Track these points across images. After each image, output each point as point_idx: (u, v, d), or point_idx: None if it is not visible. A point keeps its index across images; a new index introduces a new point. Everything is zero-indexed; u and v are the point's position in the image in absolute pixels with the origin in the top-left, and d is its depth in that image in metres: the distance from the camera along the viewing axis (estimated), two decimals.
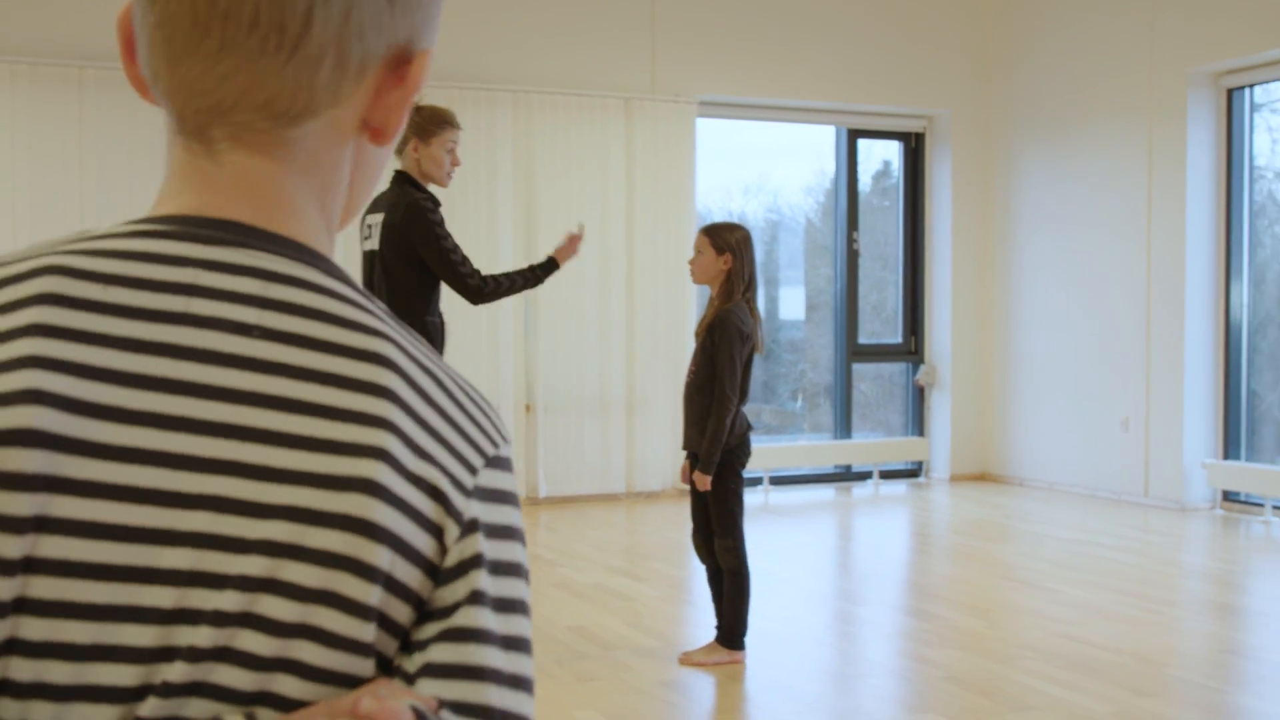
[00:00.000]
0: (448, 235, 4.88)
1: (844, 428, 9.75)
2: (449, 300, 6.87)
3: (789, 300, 10.09)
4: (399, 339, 0.79)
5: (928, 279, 9.88)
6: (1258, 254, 8.22)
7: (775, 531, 7.71)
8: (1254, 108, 8.21)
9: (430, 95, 6.61)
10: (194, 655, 0.71)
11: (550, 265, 5.24)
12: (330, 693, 0.73)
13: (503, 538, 0.79)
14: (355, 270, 5.88)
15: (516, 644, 0.78)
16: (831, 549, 7.71)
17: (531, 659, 0.79)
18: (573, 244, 5.29)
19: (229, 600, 0.72)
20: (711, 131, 9.30)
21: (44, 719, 0.71)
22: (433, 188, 4.98)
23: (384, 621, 0.74)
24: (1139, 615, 5.50)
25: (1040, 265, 9.32)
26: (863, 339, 9.80)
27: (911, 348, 9.95)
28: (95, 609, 0.71)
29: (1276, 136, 8.29)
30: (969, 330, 9.76)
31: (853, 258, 9.71)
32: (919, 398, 9.95)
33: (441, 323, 5.05)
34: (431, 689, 0.74)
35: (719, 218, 8.12)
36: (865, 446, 9.64)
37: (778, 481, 9.38)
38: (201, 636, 0.71)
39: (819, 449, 9.56)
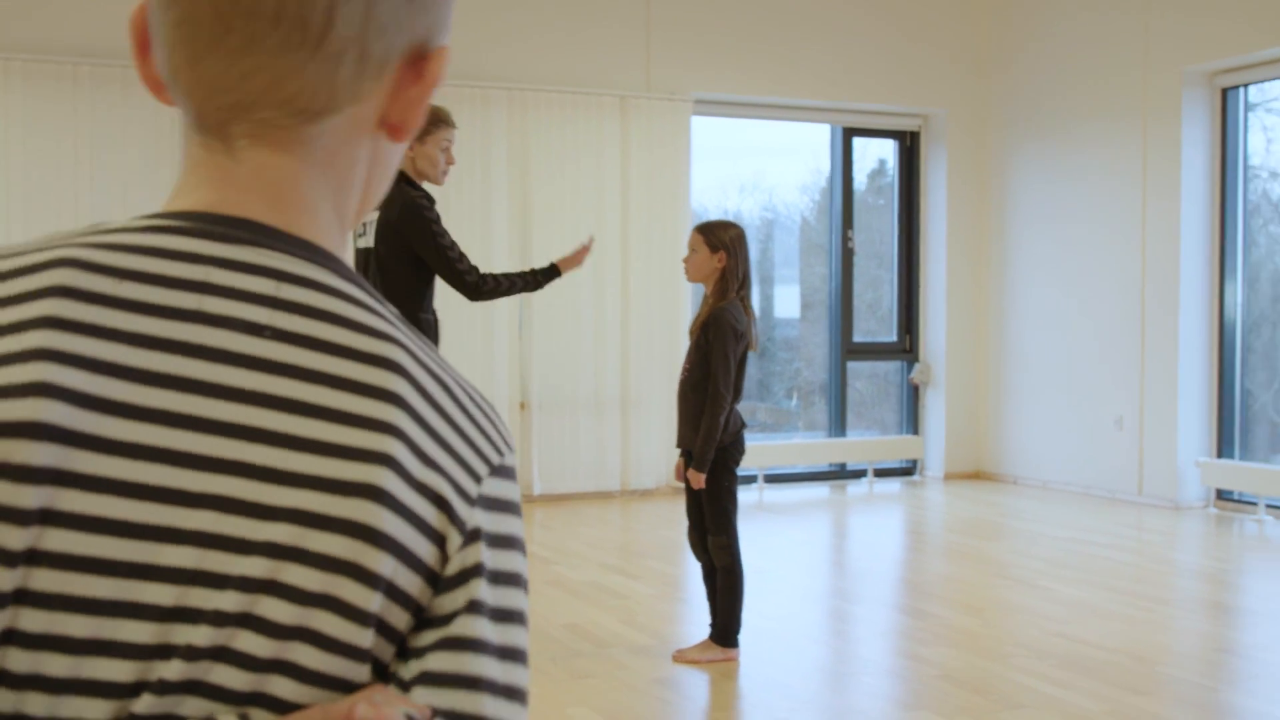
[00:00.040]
0: (444, 232, 4.88)
1: (839, 426, 9.75)
2: (444, 297, 6.88)
3: (784, 298, 10.10)
4: (409, 344, 0.79)
5: (922, 277, 9.89)
6: (1252, 253, 8.24)
7: (770, 529, 7.71)
8: (1248, 107, 8.22)
9: None
10: (191, 654, 0.71)
11: (552, 272, 5.24)
12: (325, 696, 0.73)
13: (504, 547, 0.79)
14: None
15: (513, 655, 0.78)
16: (826, 547, 7.72)
17: (528, 670, 0.79)
18: (580, 255, 5.29)
19: (229, 600, 0.72)
20: (707, 130, 9.31)
21: (38, 711, 0.71)
22: (427, 185, 4.98)
23: (382, 628, 0.74)
24: (1133, 613, 5.51)
25: (1035, 264, 9.33)
26: (858, 337, 9.81)
27: (906, 346, 9.95)
28: (95, 603, 0.71)
29: (1271, 136, 8.30)
30: (964, 329, 9.77)
31: (848, 256, 9.72)
32: (914, 396, 9.96)
33: (435, 320, 5.05)
34: (426, 697, 0.74)
35: (714, 216, 8.12)
36: (860, 444, 9.65)
37: (772, 479, 9.38)
38: (200, 636, 0.71)
39: (814, 447, 9.56)
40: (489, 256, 8.10)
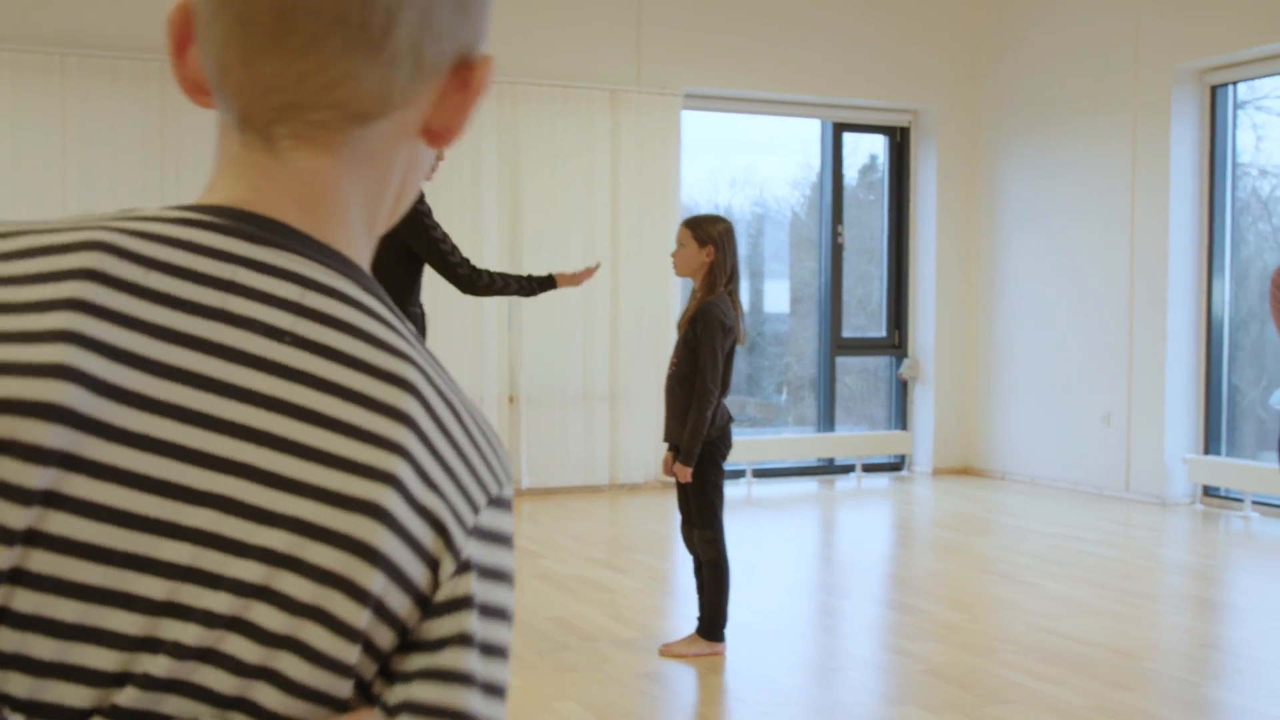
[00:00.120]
0: (436, 225, 4.88)
1: (827, 421, 9.76)
2: (436, 290, 6.88)
3: (774, 293, 10.10)
4: (424, 365, 0.79)
5: (912, 273, 9.90)
6: (1240, 250, 8.25)
7: (758, 524, 7.72)
8: (1238, 104, 8.24)
9: None
10: (179, 652, 0.71)
11: (548, 283, 5.27)
12: (308, 709, 0.73)
13: (495, 580, 0.79)
14: None
15: (496, 690, 0.78)
16: (814, 542, 7.73)
17: (505, 704, 0.80)
18: (581, 277, 5.32)
19: (221, 602, 0.72)
20: (698, 124, 9.31)
21: (20, 692, 0.70)
22: None
23: (368, 646, 0.74)
24: (1119, 609, 5.53)
25: (1024, 261, 9.34)
26: (847, 333, 9.82)
27: (895, 341, 9.97)
28: (87, 590, 0.71)
29: (1261, 133, 8.31)
30: (953, 325, 9.78)
31: (837, 251, 9.72)
32: (902, 391, 9.97)
33: (422, 313, 5.05)
34: None
35: (705, 210, 8.12)
36: (848, 440, 9.66)
37: (761, 474, 9.39)
38: (189, 634, 0.71)
39: (802, 442, 9.57)
40: (479, 250, 8.09)
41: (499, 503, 0.81)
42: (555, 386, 8.53)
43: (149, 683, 0.71)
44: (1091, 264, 8.76)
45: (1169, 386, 8.23)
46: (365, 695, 0.76)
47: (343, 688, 0.74)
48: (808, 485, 9.36)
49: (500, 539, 0.80)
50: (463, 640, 0.76)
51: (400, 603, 0.75)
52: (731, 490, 8.75)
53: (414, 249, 4.84)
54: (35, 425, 0.70)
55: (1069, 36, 8.89)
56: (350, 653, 0.73)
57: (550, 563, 6.38)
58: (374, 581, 0.73)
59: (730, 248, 4.68)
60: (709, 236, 4.65)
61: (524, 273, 8.14)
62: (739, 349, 4.79)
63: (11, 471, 0.69)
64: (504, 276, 5.17)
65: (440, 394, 0.79)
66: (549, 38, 8.49)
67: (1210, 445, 8.29)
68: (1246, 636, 5.17)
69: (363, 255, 0.84)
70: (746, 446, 9.07)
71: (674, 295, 8.67)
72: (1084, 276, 8.81)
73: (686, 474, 4.66)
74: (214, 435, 0.73)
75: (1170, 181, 8.18)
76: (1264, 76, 7.97)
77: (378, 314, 0.79)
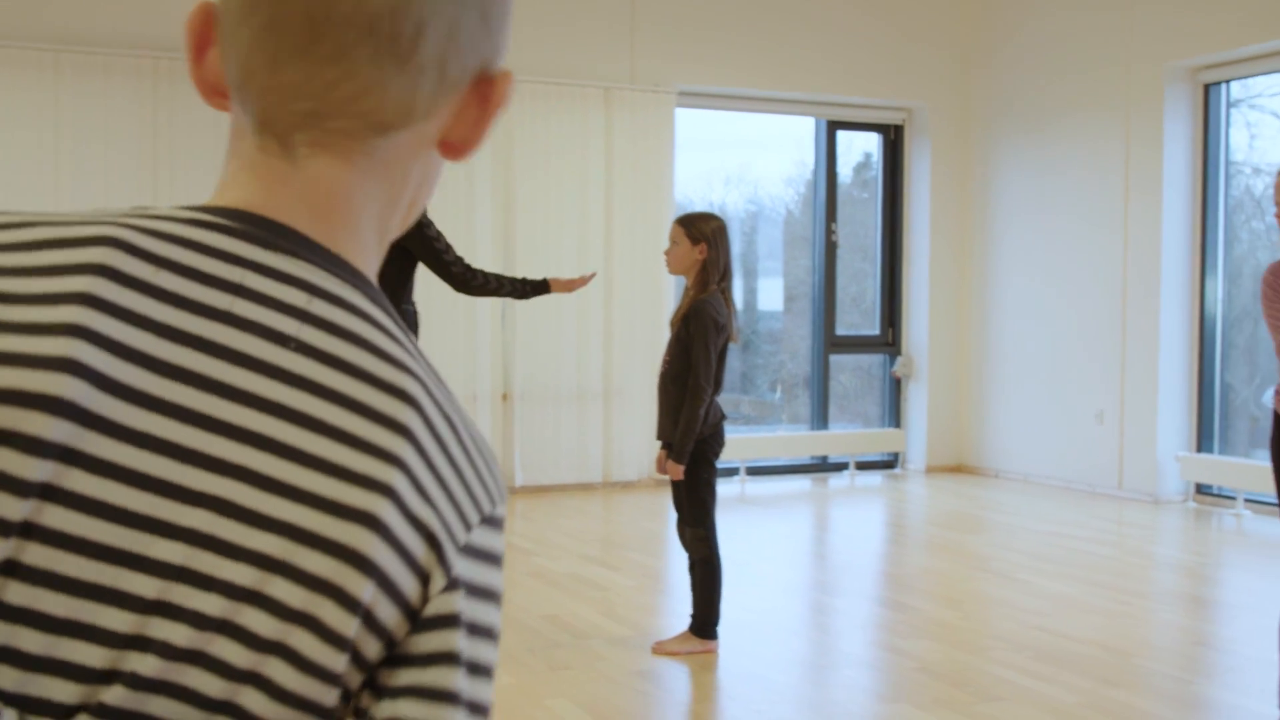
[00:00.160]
0: (430, 223, 4.89)
1: (821, 419, 9.77)
2: (430, 288, 6.88)
3: (768, 291, 10.11)
4: (425, 379, 0.79)
5: (906, 271, 9.91)
6: (1234, 248, 8.27)
7: (751, 522, 7.72)
8: (1231, 103, 8.25)
9: None
10: (168, 652, 0.71)
11: (541, 287, 5.29)
12: (293, 716, 0.73)
13: (483, 599, 0.80)
14: None
15: (480, 709, 0.79)
16: (807, 540, 7.73)
17: None
18: (576, 284, 5.33)
19: (212, 604, 0.72)
20: (693, 122, 9.31)
21: (7, 685, 0.71)
22: None
23: (356, 655, 0.75)
24: (1111, 607, 5.54)
25: (1017, 258, 9.35)
26: (841, 330, 9.83)
27: (889, 339, 9.97)
28: (79, 585, 0.71)
29: (1255, 131, 8.33)
30: (946, 323, 9.79)
31: (831, 249, 9.73)
32: (896, 389, 9.98)
33: (415, 311, 5.05)
34: None
35: (700, 208, 8.12)
36: (842, 438, 9.66)
37: (754, 472, 9.40)
38: (179, 635, 0.71)
39: (795, 440, 9.57)
40: (473, 247, 8.09)
41: (491, 521, 0.81)
42: (549, 384, 8.53)
43: (137, 682, 0.71)
44: (1085, 262, 8.77)
45: (1162, 384, 8.24)
46: (347, 704, 0.76)
47: (329, 696, 0.74)
48: (801, 483, 9.37)
49: (490, 558, 0.81)
50: (449, 659, 0.77)
51: (389, 614, 0.75)
52: (725, 488, 8.75)
53: (408, 247, 4.84)
54: (38, 418, 0.70)
55: (1062, 34, 8.90)
56: (338, 661, 0.74)
57: (543, 560, 6.38)
58: (364, 591, 0.73)
59: (723, 245, 4.68)
60: (702, 234, 4.65)
61: (518, 274, 8.21)
62: (732, 347, 4.79)
63: (11, 463, 0.69)
64: (498, 277, 5.18)
65: (440, 409, 0.79)
66: (543, 35, 8.49)
67: (1203, 443, 8.30)
68: (1238, 634, 5.19)
69: (371, 265, 0.85)
70: (740, 444, 9.08)
71: (668, 293, 8.67)
72: (1077, 274, 8.82)
73: (679, 472, 4.66)
74: (213, 436, 0.73)
75: (1163, 179, 8.19)
76: (1256, 75, 7.99)
77: (382, 325, 0.79)
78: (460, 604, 0.77)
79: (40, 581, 0.70)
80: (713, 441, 4.71)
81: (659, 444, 4.83)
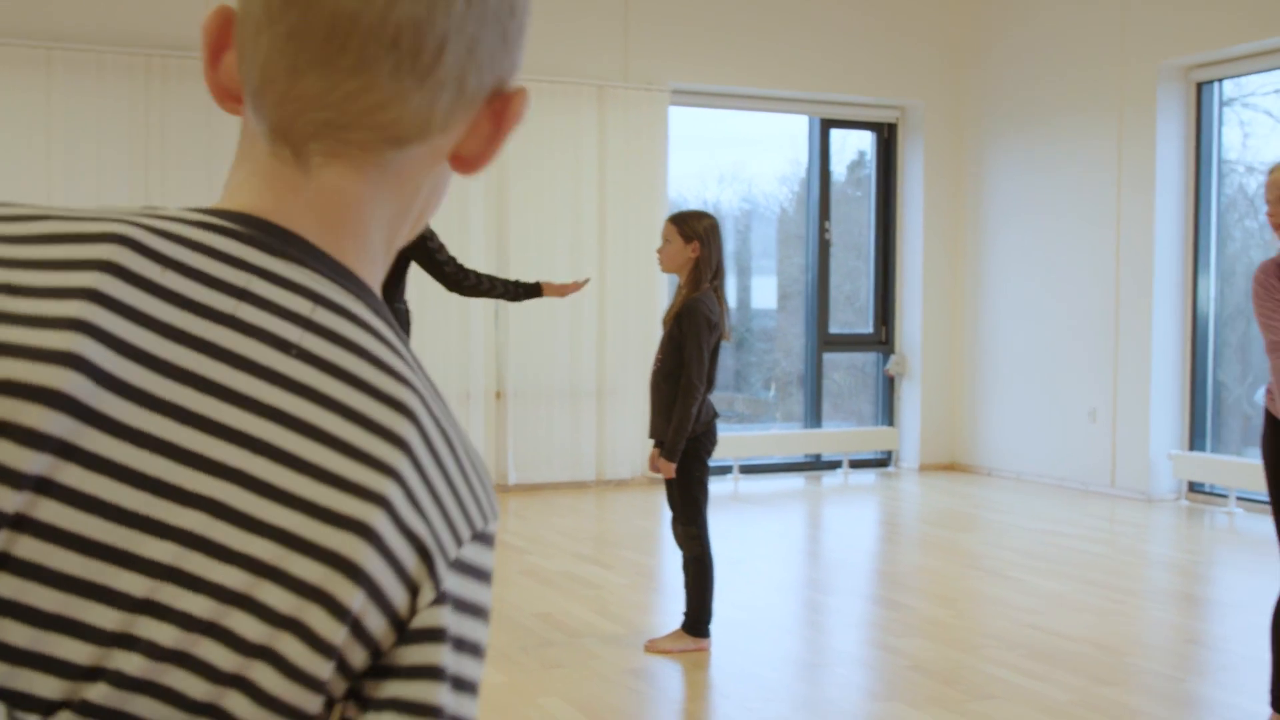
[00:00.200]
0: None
1: (814, 417, 9.77)
2: (423, 286, 6.87)
3: (762, 289, 10.11)
4: (424, 393, 0.80)
5: (899, 269, 9.92)
6: (1228, 247, 8.28)
7: (745, 520, 7.73)
8: (1224, 102, 8.26)
9: None
10: (154, 652, 0.71)
11: (534, 290, 5.30)
12: None
13: (471, 615, 0.79)
14: None
15: None
16: (800, 538, 7.73)
17: None
18: (568, 289, 5.34)
19: (201, 606, 0.71)
20: (688, 120, 9.31)
21: None
22: None
23: (342, 663, 0.74)
24: (1103, 605, 5.54)
25: (1010, 257, 9.36)
26: (835, 329, 9.83)
27: (882, 338, 9.98)
28: (69, 580, 0.70)
29: (1248, 130, 8.34)
30: (939, 321, 9.80)
31: (824, 247, 9.73)
32: (889, 387, 9.99)
33: (407, 310, 5.05)
34: None
35: (694, 206, 8.12)
36: (835, 436, 9.67)
37: (748, 470, 9.40)
38: (165, 635, 0.71)
39: (789, 438, 9.58)
40: (466, 246, 8.08)
41: (482, 538, 0.81)
42: (542, 382, 8.52)
43: (121, 680, 0.71)
44: (1077, 260, 8.78)
45: (1154, 383, 8.25)
46: (330, 712, 0.76)
47: (313, 703, 0.74)
48: (794, 481, 9.38)
49: (480, 574, 0.80)
50: (434, 673, 0.77)
51: (377, 624, 0.75)
52: (719, 486, 8.75)
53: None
54: (37, 410, 0.70)
55: (1055, 33, 8.91)
56: (324, 668, 0.73)
57: (536, 558, 6.38)
58: (354, 599, 0.73)
59: (715, 243, 4.68)
60: (694, 232, 4.65)
61: (512, 273, 8.21)
62: (725, 345, 4.79)
63: (8, 454, 0.69)
64: (490, 278, 5.19)
65: (437, 423, 0.80)
66: (536, 33, 8.47)
67: (1195, 441, 8.31)
68: (1229, 632, 5.19)
69: (376, 276, 0.85)
70: (733, 442, 9.08)
71: (661, 291, 8.67)
72: (1070, 273, 8.83)
73: (671, 470, 4.66)
74: (211, 439, 0.73)
75: (1156, 178, 8.20)
76: (1249, 74, 8.00)
77: (384, 337, 0.80)
78: (447, 619, 0.77)
79: (30, 575, 0.70)
80: (705, 440, 4.71)
81: (652, 442, 4.83)
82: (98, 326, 0.72)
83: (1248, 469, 7.57)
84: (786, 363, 10.03)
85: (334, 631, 0.73)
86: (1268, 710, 3.92)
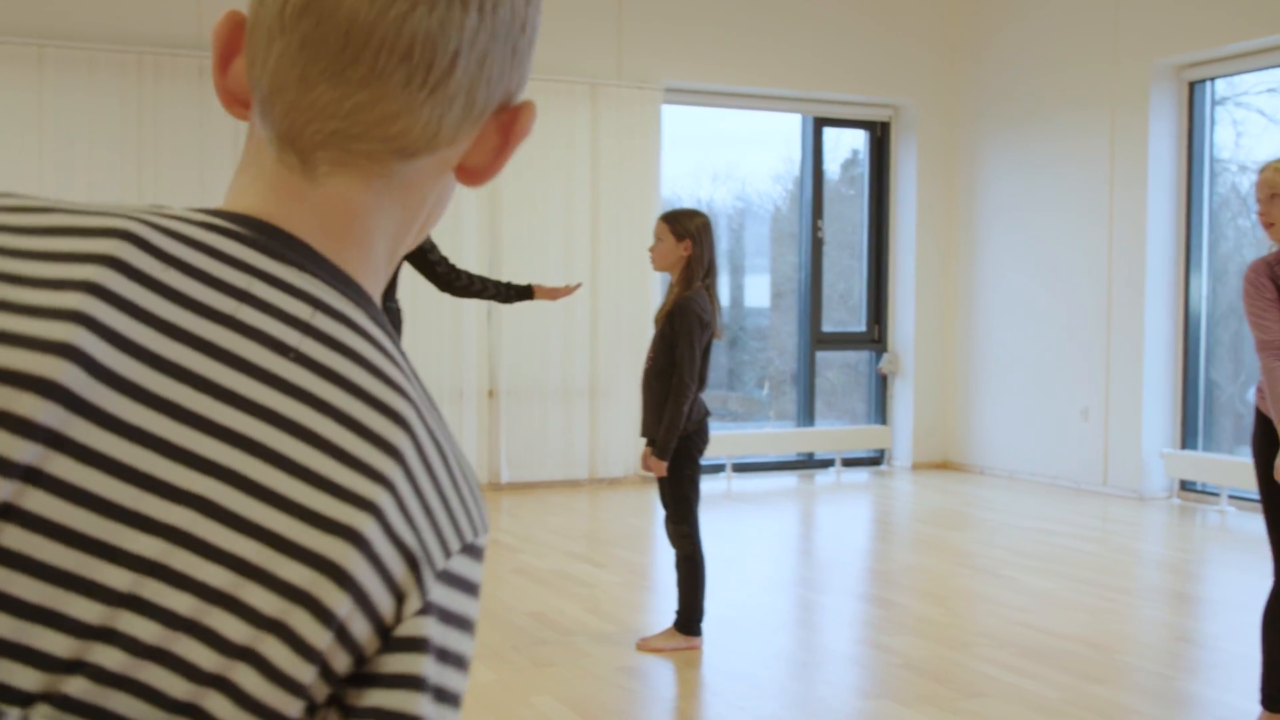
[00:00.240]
0: None
1: (807, 415, 9.78)
2: (415, 284, 6.87)
3: (755, 288, 10.11)
4: (419, 403, 0.80)
5: (892, 268, 9.93)
6: (1220, 246, 8.29)
7: (737, 518, 7.73)
8: (1216, 101, 8.27)
9: None
10: (134, 648, 0.71)
11: (525, 293, 5.30)
12: None
13: (456, 627, 0.79)
14: None
15: None
16: (793, 536, 7.74)
17: None
18: (560, 293, 5.34)
19: (184, 603, 0.71)
20: (681, 118, 9.31)
21: None
22: None
23: (325, 669, 0.74)
24: (1095, 603, 5.55)
25: (1003, 255, 9.37)
26: (828, 327, 9.84)
27: (875, 336, 9.99)
28: (53, 571, 0.70)
29: (1241, 129, 8.35)
30: (932, 319, 9.81)
31: (818, 246, 9.74)
32: (882, 386, 10.00)
33: (398, 309, 5.05)
34: None
35: (687, 205, 8.12)
36: (828, 434, 9.68)
37: (741, 468, 9.40)
38: (148, 631, 0.71)
39: (782, 436, 9.58)
40: (459, 244, 8.08)
41: (471, 550, 0.81)
42: (535, 380, 8.52)
43: (100, 675, 0.71)
44: (1070, 259, 8.79)
45: (1147, 381, 8.26)
46: (312, 717, 0.75)
47: (294, 707, 0.73)
48: (787, 480, 9.38)
49: (467, 586, 0.80)
50: (416, 683, 0.76)
51: (363, 630, 0.75)
52: (711, 485, 8.76)
53: None
54: (30, 399, 0.70)
55: (1048, 31, 8.92)
56: (307, 673, 0.73)
57: (529, 557, 6.38)
58: (341, 605, 0.73)
59: (708, 242, 4.68)
60: (686, 231, 4.65)
61: (504, 271, 8.20)
62: (717, 343, 4.79)
63: None
64: (483, 280, 5.19)
65: (431, 434, 0.80)
66: None
67: (1187, 440, 8.33)
68: (1221, 630, 5.20)
69: (377, 285, 0.85)
70: (726, 441, 9.08)
71: (654, 290, 8.67)
72: (1062, 272, 8.85)
73: (662, 468, 4.66)
74: (204, 436, 0.73)
75: (1149, 177, 8.21)
76: (1241, 73, 8.01)
77: (383, 346, 0.80)
78: (432, 629, 0.77)
79: (14, 565, 0.70)
80: (696, 438, 4.71)
81: (644, 441, 4.83)
82: (96, 319, 0.72)
83: (1239, 468, 7.59)
84: (779, 361, 10.04)
85: (318, 636, 0.73)
86: (1258, 708, 3.93)
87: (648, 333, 8.44)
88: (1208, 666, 4.71)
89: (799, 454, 9.69)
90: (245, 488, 0.73)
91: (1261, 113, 8.25)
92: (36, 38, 7.29)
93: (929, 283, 9.78)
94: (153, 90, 7.47)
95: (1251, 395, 4.01)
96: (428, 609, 0.77)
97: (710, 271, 4.69)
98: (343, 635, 0.74)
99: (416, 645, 0.76)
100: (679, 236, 4.66)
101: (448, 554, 0.79)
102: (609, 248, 8.65)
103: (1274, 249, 3.85)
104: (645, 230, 8.43)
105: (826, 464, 9.72)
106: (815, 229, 9.71)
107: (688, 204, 9.04)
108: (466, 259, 8.06)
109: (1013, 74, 9.23)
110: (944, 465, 9.81)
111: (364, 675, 0.76)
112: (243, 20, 0.84)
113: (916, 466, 9.72)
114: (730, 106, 9.44)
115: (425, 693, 0.76)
